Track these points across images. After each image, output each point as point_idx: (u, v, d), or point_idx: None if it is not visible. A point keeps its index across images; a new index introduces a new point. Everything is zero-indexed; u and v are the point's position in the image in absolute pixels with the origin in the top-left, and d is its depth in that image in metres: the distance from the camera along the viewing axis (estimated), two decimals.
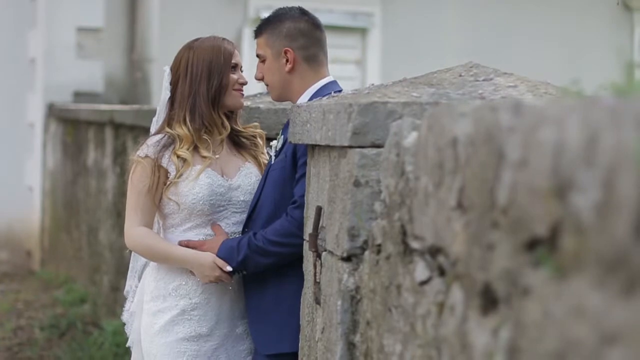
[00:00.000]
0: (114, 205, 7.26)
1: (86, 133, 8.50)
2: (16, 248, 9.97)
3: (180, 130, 3.33)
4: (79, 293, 8.12)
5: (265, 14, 3.64)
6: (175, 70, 3.42)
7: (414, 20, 10.99)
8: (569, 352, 1.24)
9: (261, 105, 3.95)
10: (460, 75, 2.69)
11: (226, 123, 3.40)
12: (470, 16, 11.14)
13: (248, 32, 9.77)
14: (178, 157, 3.31)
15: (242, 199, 3.39)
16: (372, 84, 3.03)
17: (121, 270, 6.52)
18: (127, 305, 3.58)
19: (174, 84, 3.41)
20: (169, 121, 3.40)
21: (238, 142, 3.51)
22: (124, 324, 3.63)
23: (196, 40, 3.46)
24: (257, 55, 3.38)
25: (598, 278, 1.20)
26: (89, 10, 9.76)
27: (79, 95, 9.77)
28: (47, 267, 9.60)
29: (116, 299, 6.79)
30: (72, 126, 9.09)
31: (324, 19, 3.59)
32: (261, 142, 3.54)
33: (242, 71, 3.46)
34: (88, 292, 8.01)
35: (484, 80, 2.64)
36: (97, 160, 8.02)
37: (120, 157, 7.19)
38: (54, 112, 9.69)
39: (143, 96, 9.81)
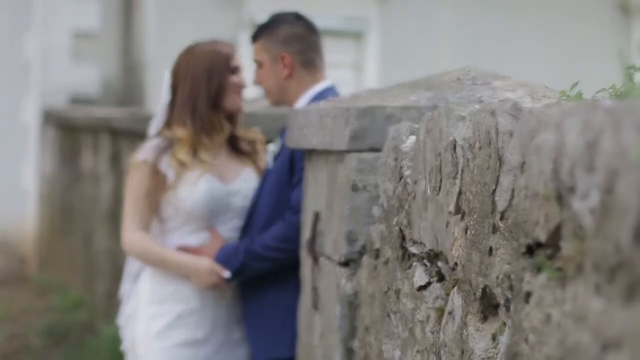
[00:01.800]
0: (110, 211, 7.24)
1: (82, 138, 8.49)
2: (11, 254, 9.95)
3: (180, 133, 3.32)
4: (74, 299, 8.09)
5: (260, 19, 3.63)
6: (175, 73, 3.41)
7: (410, 24, 10.98)
8: (570, 358, 1.23)
9: (258, 110, 3.94)
10: (459, 79, 2.69)
11: (225, 126, 3.39)
12: (467, 19, 11.14)
13: (244, 37, 9.77)
14: (177, 161, 3.30)
15: (240, 204, 3.37)
16: (370, 88, 3.02)
17: (117, 276, 6.51)
18: (123, 308, 3.56)
19: (174, 87, 3.40)
20: (168, 124, 3.39)
21: (238, 147, 3.50)
22: (120, 328, 3.61)
23: (196, 44, 3.45)
24: (255, 61, 3.37)
25: (598, 283, 1.19)
26: (85, 14, 9.75)
27: (74, 100, 9.76)
28: (43, 272, 9.58)
29: (112, 304, 6.78)
30: (68, 131, 9.07)
31: (319, 23, 3.59)
32: (261, 148, 3.53)
33: (242, 74, 3.45)
34: (84, 298, 7.99)
35: (482, 84, 2.64)
36: (93, 166, 8.00)
37: (116, 162, 7.18)
38: (50, 117, 9.67)
39: (139, 100, 9.80)
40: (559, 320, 1.26)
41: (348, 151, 2.43)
